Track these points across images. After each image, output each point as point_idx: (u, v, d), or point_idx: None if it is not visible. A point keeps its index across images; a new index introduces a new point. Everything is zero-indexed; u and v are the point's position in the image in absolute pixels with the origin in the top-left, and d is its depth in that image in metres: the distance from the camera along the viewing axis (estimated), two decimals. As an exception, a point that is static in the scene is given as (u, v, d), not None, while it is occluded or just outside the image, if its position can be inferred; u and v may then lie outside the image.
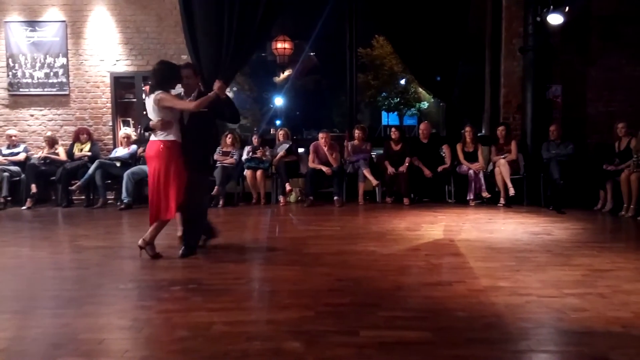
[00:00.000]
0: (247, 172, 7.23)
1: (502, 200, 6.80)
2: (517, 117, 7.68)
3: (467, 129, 7.25)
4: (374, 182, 7.08)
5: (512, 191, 6.64)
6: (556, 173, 6.50)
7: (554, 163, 6.62)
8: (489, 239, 4.76)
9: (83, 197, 7.39)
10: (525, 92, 7.42)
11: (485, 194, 6.89)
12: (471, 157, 7.15)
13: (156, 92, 4.04)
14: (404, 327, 2.61)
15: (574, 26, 7.34)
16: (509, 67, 7.71)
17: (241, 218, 6.33)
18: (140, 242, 4.11)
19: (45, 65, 7.96)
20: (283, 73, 21.62)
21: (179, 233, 4.33)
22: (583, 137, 7.56)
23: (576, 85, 7.69)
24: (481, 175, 6.94)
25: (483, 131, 8.26)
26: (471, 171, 6.95)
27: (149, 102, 4.11)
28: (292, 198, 7.34)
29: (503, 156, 7.02)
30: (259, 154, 7.29)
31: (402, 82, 24.34)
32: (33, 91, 8.00)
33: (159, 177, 4.04)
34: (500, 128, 7.24)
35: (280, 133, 7.74)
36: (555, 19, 6.76)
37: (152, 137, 4.16)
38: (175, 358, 2.29)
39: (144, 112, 4.33)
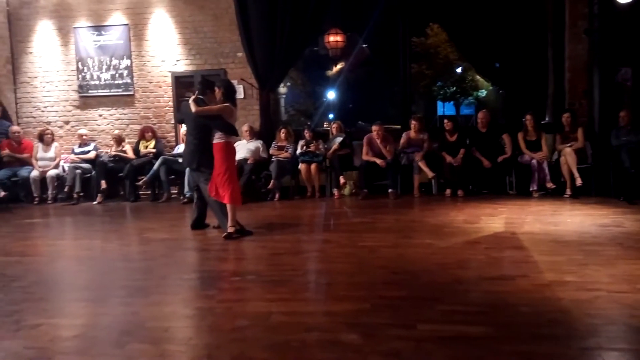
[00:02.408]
0: (301, 166, 7.31)
1: (568, 191, 6.48)
2: (583, 102, 7.27)
3: (528, 117, 6.94)
4: (430, 174, 6.95)
5: (579, 181, 6.31)
6: (627, 161, 6.12)
7: (625, 151, 6.23)
8: (554, 231, 4.55)
9: (149, 192, 7.77)
10: (591, 76, 7.02)
11: (549, 185, 6.58)
12: (534, 146, 6.84)
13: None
14: (464, 321, 2.56)
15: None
16: (573, 50, 7.30)
17: (296, 211, 6.42)
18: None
19: (111, 67, 8.40)
20: (335, 66, 21.63)
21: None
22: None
23: (649, 67, 7.15)
24: (545, 164, 6.63)
25: (547, 119, 7.88)
26: (534, 161, 6.66)
27: (236, 110, 4.97)
28: (347, 191, 7.35)
29: (569, 144, 6.67)
30: (312, 147, 7.35)
31: (458, 70, 23.68)
32: (101, 92, 8.48)
33: (235, 169, 5.00)
34: (566, 115, 6.89)
35: (334, 126, 7.76)
36: (625, -4, 6.31)
37: (232, 139, 4.90)
38: (237, 346, 2.36)
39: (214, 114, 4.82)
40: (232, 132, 4.83)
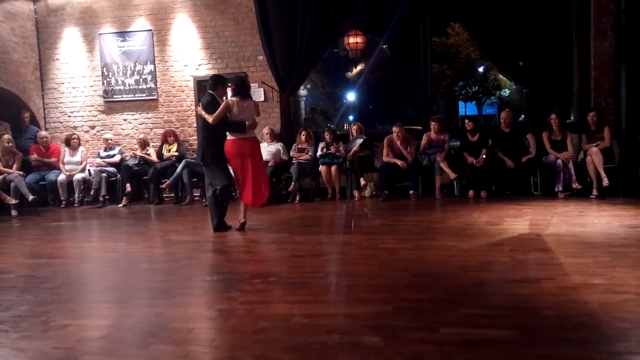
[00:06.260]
0: (321, 168, 7.32)
1: (594, 192, 6.33)
2: (609, 101, 7.10)
3: (553, 116, 6.81)
4: (452, 175, 6.87)
5: (605, 181, 6.16)
6: (657, 161, 5.95)
7: (655, 150, 6.06)
8: (581, 233, 4.45)
9: (172, 194, 7.89)
10: (618, 73, 6.85)
11: (575, 185, 6.45)
12: (559, 146, 6.71)
13: (251, 98, 5.10)
14: (488, 325, 2.52)
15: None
16: (599, 47, 7.13)
17: (317, 213, 6.42)
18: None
19: (135, 72, 8.56)
20: (356, 68, 21.59)
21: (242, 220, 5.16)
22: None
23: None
24: (571, 165, 6.50)
25: (572, 117, 7.72)
26: (559, 161, 6.53)
27: (250, 103, 4.99)
28: (367, 193, 7.32)
29: (595, 144, 6.52)
30: (332, 149, 7.35)
31: (480, 69, 23.41)
32: (125, 97, 8.65)
33: (258, 167, 5.06)
34: (592, 114, 6.73)
35: (354, 128, 7.75)
36: (653, -9, 6.15)
37: (246, 135, 4.99)
38: (259, 347, 2.38)
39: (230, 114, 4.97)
40: (236, 130, 4.94)
